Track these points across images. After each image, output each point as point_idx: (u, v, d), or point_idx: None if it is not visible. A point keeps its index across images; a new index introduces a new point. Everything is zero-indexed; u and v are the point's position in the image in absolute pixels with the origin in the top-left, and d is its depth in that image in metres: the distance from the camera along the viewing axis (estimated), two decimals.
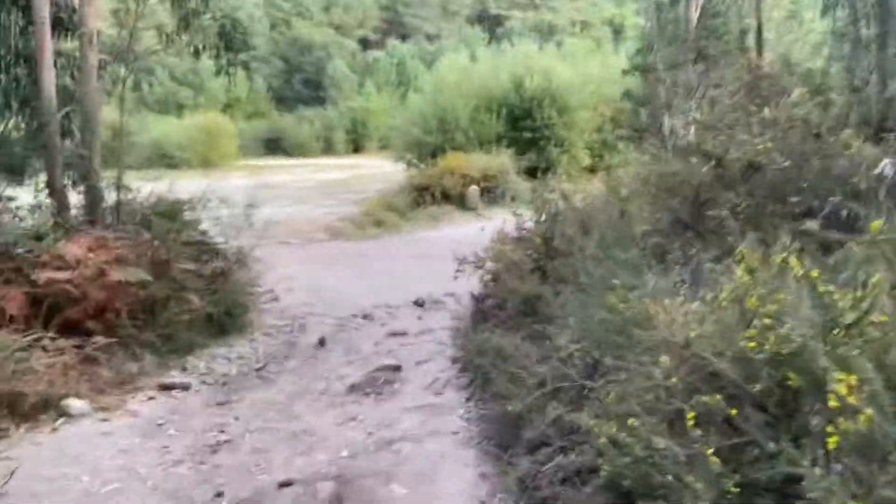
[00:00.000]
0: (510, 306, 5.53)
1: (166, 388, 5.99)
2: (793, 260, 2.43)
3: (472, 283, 6.96)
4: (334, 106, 41.39)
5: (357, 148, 40.02)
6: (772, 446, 2.21)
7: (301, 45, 47.14)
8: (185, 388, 6.03)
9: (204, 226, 8.29)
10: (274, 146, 38.46)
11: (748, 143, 3.92)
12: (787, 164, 3.71)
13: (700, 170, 4.14)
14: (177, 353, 6.69)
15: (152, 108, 38.24)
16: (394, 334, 7.59)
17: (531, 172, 19.29)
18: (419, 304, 8.91)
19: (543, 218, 6.49)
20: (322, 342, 7.38)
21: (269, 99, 44.45)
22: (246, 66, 44.26)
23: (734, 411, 2.25)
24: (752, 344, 2.33)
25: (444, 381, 5.83)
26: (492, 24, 51.01)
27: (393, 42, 49.14)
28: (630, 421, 2.43)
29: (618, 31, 44.53)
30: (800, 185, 3.76)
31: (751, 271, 2.49)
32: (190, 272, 7.19)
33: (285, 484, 4.08)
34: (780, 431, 2.24)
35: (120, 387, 5.86)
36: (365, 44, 51.09)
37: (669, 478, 2.35)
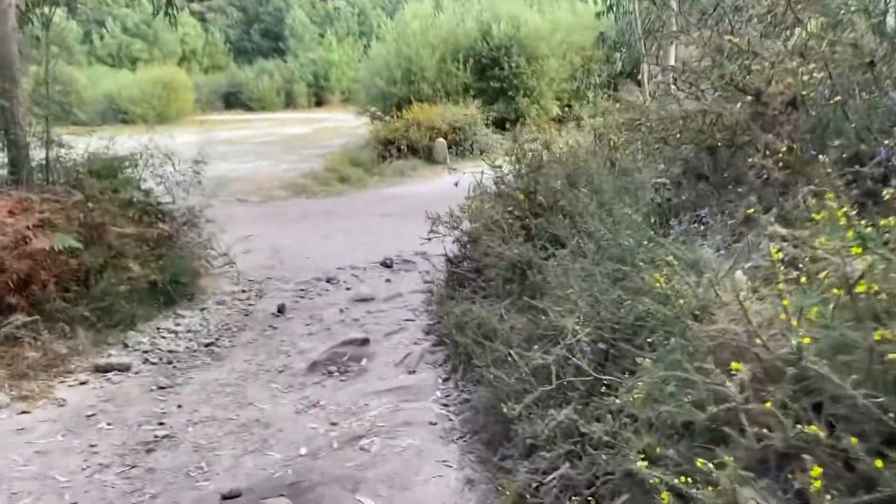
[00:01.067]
0: (494, 273, 4.83)
1: (102, 369, 5.29)
2: None
3: (444, 243, 6.27)
4: (295, 58, 39.92)
5: (320, 101, 38.70)
6: None
7: None
8: (124, 368, 5.33)
9: (149, 185, 7.48)
10: (233, 100, 37.05)
11: (791, 74, 3.26)
12: (837, 98, 3.05)
13: (734, 107, 3.45)
14: (116, 327, 5.98)
15: (105, 61, 36.64)
16: (360, 300, 6.96)
17: (499, 124, 18.63)
18: (387, 264, 8.28)
19: (524, 170, 5.78)
20: (281, 310, 6.74)
21: (227, 51, 42.84)
22: (202, 18, 42.66)
23: (879, 463, 1.56)
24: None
25: (417, 357, 5.16)
26: None
27: None
28: (699, 462, 1.75)
29: None
30: (843, 125, 3.12)
31: (864, 241, 1.79)
32: (129, 236, 6.41)
33: (230, 496, 3.39)
34: None
35: (47, 370, 5.14)
36: None
37: None
